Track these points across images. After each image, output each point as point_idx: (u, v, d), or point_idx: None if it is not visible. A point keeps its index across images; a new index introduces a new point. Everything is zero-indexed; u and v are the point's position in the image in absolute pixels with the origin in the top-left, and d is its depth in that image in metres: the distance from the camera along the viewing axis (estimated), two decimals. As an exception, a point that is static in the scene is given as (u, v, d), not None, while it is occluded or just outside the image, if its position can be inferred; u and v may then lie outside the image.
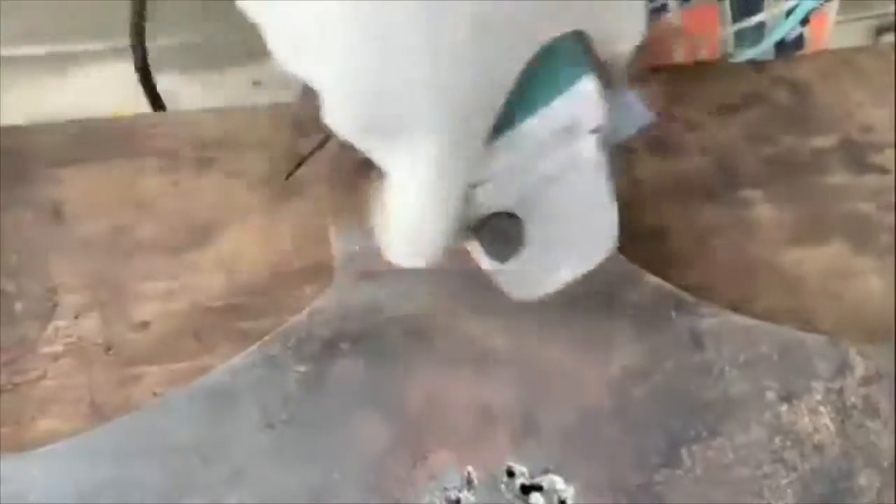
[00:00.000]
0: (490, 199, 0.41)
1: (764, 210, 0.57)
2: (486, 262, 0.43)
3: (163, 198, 0.57)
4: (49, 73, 1.61)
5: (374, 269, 0.49)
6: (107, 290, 0.52)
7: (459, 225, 0.40)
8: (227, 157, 0.59)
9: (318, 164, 0.57)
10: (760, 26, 0.69)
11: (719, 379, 0.47)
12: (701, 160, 0.60)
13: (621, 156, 0.58)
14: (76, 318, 0.51)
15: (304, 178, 0.58)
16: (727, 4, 0.69)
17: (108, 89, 1.58)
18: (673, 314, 0.49)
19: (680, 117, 0.60)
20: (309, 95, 0.55)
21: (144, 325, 0.51)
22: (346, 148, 0.40)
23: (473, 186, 0.40)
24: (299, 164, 0.55)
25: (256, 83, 1.46)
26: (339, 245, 0.50)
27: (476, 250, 0.43)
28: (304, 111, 0.55)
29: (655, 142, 0.60)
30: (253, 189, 0.58)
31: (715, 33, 0.69)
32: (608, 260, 0.49)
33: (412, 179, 0.38)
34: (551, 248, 0.43)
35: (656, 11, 0.68)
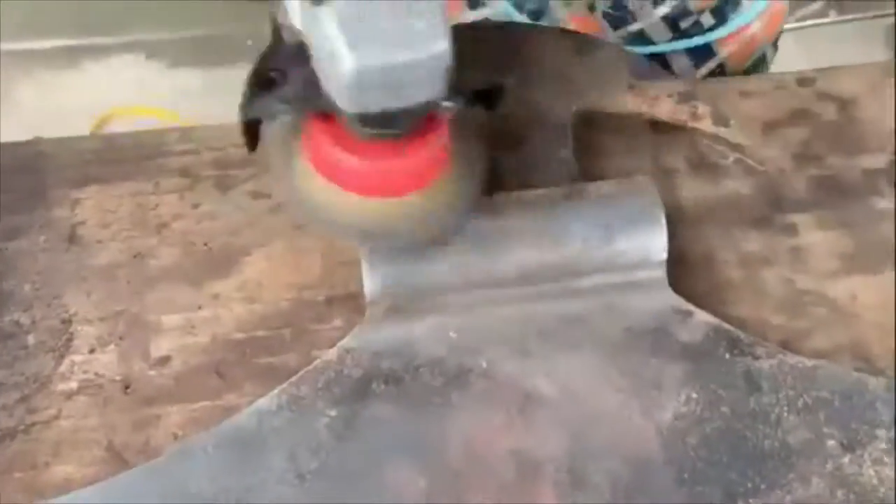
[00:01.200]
0: None
1: (813, 237, 0.52)
2: None
3: (183, 221, 0.52)
4: (63, 67, 1.58)
5: (407, 302, 0.45)
6: (125, 321, 0.48)
7: None
8: (251, 176, 0.55)
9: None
10: (641, 33, 0.67)
11: (777, 426, 0.43)
12: (745, 182, 0.56)
13: (663, 177, 0.55)
14: (92, 352, 0.47)
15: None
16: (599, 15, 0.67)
17: (121, 83, 1.54)
18: (727, 355, 0.44)
19: (723, 136, 0.56)
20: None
21: (164, 360, 0.47)
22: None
23: None
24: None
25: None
26: (369, 275, 0.46)
27: None
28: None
29: (697, 162, 0.56)
30: (277, 211, 0.53)
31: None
32: (656, 294, 0.46)
33: None
34: None
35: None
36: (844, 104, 0.58)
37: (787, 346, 0.48)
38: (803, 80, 0.60)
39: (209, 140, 0.56)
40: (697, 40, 0.66)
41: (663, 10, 0.65)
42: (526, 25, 0.65)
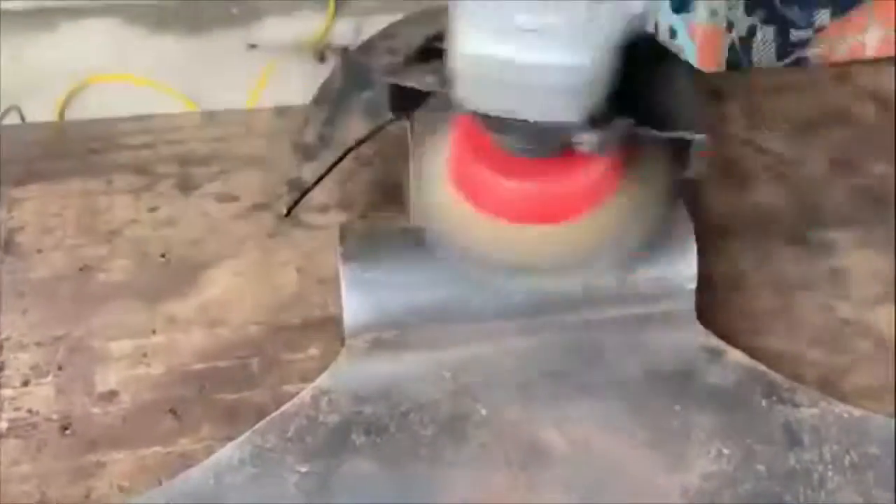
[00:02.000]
0: None
1: (854, 257, 0.46)
2: None
3: (137, 227, 0.45)
4: (38, 29, 1.49)
5: (394, 335, 0.38)
6: (65, 348, 0.41)
7: None
8: (217, 175, 0.48)
9: (327, 189, 0.47)
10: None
11: (820, 487, 0.36)
12: (778, 192, 0.49)
13: (687, 187, 0.48)
14: (25, 384, 0.40)
15: (309, 205, 0.47)
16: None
17: (99, 49, 1.45)
18: (763, 402, 0.38)
19: (752, 138, 0.49)
20: (319, 109, 0.43)
21: (111, 395, 0.40)
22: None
23: None
24: (302, 196, 0.44)
25: (252, 46, 1.34)
26: (349, 301, 0.39)
27: None
28: (310, 130, 0.44)
29: (725, 168, 0.49)
30: (247, 216, 0.46)
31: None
32: (683, 330, 0.39)
33: None
34: None
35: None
36: (886, 103, 0.52)
37: (825, 384, 0.42)
38: (840, 76, 0.53)
39: (170, 131, 0.48)
40: None
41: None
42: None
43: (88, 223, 0.44)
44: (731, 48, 0.58)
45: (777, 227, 0.47)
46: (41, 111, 1.41)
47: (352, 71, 0.44)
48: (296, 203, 0.42)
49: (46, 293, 0.42)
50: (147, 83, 1.42)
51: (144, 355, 0.41)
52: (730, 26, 0.58)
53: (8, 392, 0.39)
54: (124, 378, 0.40)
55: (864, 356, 0.43)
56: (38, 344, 0.40)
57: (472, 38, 0.33)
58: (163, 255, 0.44)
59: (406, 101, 0.38)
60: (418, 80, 0.37)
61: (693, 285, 0.39)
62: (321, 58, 1.36)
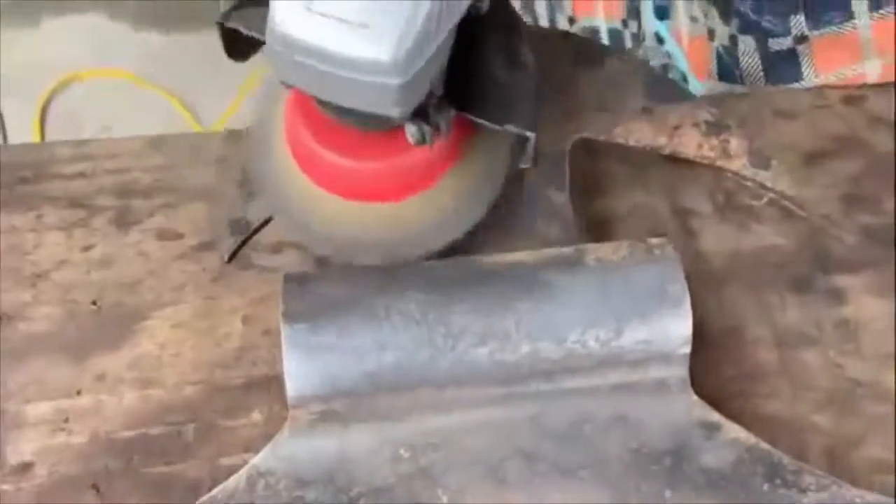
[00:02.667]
0: None
1: (867, 306, 0.40)
2: None
3: (67, 270, 0.39)
4: (20, 24, 1.44)
5: (343, 406, 0.33)
6: (-25, 411, 0.36)
7: None
8: (159, 208, 0.42)
9: (279, 228, 0.41)
10: None
11: (831, 590, 0.32)
12: (781, 230, 0.44)
13: (681, 220, 0.43)
14: (-74, 454, 0.35)
15: (260, 243, 0.42)
16: None
17: (82, 44, 1.40)
18: (765, 486, 0.32)
19: (752, 169, 0.44)
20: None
21: (24, 468, 0.34)
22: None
23: None
24: (245, 241, 0.39)
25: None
26: (291, 365, 0.33)
27: None
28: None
29: (724, 202, 0.44)
30: (190, 257, 0.40)
31: None
32: (676, 400, 0.34)
33: None
34: None
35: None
36: (900, 129, 0.47)
37: (832, 456, 0.37)
38: (850, 99, 0.48)
39: (110, 158, 0.43)
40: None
41: None
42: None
43: (12, 264, 0.39)
44: (720, 58, 0.53)
45: (780, 270, 0.41)
46: (22, 110, 1.36)
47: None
48: (239, 248, 0.37)
49: (-45, 345, 0.37)
50: (131, 79, 1.37)
51: (66, 420, 0.35)
52: (711, 34, 0.53)
53: None
54: (41, 448, 0.35)
55: (878, 423, 0.37)
56: (-56, 406, 0.36)
57: (285, 17, 0.30)
58: (94, 303, 0.38)
59: (243, 46, 0.34)
60: (248, 24, 0.33)
61: (687, 349, 0.34)
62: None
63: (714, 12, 0.52)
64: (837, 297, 0.41)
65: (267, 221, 0.37)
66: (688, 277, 0.36)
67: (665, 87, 0.40)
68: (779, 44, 0.50)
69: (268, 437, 0.34)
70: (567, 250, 0.36)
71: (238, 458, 0.35)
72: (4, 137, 1.32)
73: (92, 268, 0.39)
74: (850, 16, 0.48)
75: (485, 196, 0.36)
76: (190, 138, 0.46)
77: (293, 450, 0.32)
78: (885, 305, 0.40)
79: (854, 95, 0.48)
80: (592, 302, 0.33)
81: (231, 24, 0.33)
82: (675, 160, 0.43)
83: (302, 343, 0.33)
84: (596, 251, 0.35)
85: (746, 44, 0.51)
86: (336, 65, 0.30)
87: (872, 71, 0.48)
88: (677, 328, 0.34)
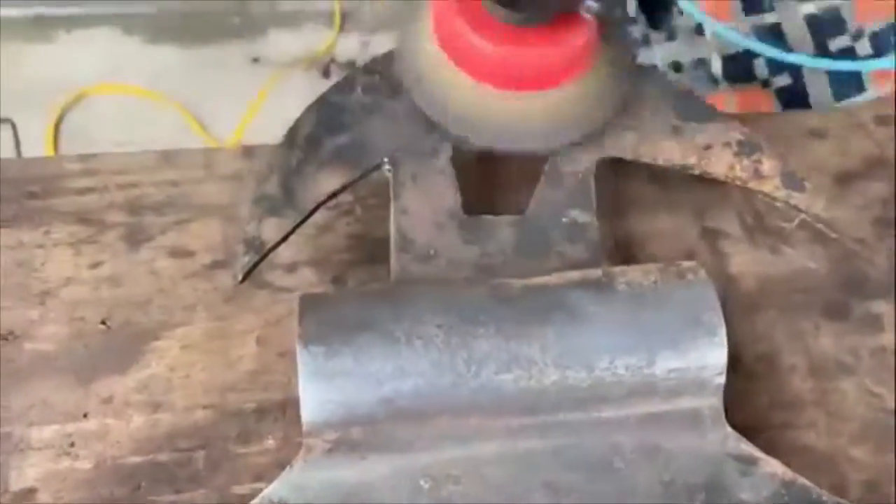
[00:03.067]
0: None
1: (903, 334, 0.40)
2: None
3: (75, 287, 0.38)
4: (33, 39, 1.44)
5: (362, 435, 0.31)
6: (-23, 435, 0.35)
7: None
8: (172, 225, 0.41)
9: (296, 244, 0.40)
10: (778, 29, 0.54)
11: None
12: (813, 254, 0.42)
13: (710, 242, 0.41)
14: (-74, 480, 0.34)
15: (275, 262, 0.41)
16: None
17: (96, 59, 1.40)
18: (805, 525, 0.32)
19: (785, 191, 0.42)
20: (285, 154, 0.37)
21: (27, 494, 0.32)
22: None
23: None
24: (260, 260, 0.37)
25: (255, 60, 1.28)
26: (307, 392, 0.31)
27: None
28: (274, 182, 0.37)
29: (753, 225, 0.42)
30: (203, 275, 0.39)
31: None
32: (710, 432, 0.32)
33: None
34: None
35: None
36: (935, 150, 0.45)
37: (872, 490, 0.35)
38: (883, 119, 0.46)
39: (121, 173, 0.41)
40: (846, 64, 0.51)
41: (808, 7, 0.50)
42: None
43: (19, 281, 0.38)
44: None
45: (814, 296, 0.39)
46: (36, 124, 1.36)
47: (325, 112, 0.37)
48: (253, 268, 0.36)
49: (-41, 366, 0.36)
50: (145, 94, 1.37)
51: (72, 445, 0.34)
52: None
53: None
54: (45, 473, 0.33)
55: (918, 458, 0.36)
56: (-56, 429, 0.34)
57: None
58: (103, 322, 0.37)
59: None
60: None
61: (722, 379, 0.32)
62: (326, 73, 1.30)
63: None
64: (874, 324, 0.39)
65: (282, 241, 0.36)
66: (721, 304, 0.34)
67: (695, 105, 0.39)
68: None
69: (281, 464, 0.33)
70: (594, 273, 0.34)
71: (249, 486, 0.33)
72: (18, 152, 1.31)
73: (101, 286, 0.38)
74: None
75: (614, 98, 0.39)
76: (203, 153, 0.44)
77: (307, 480, 0.30)
78: (922, 333, 0.39)
79: (886, 115, 0.46)
80: (623, 328, 0.32)
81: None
82: (702, 180, 0.42)
83: (319, 368, 0.31)
84: (625, 274, 0.34)
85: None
86: None
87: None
88: (712, 357, 0.32)
